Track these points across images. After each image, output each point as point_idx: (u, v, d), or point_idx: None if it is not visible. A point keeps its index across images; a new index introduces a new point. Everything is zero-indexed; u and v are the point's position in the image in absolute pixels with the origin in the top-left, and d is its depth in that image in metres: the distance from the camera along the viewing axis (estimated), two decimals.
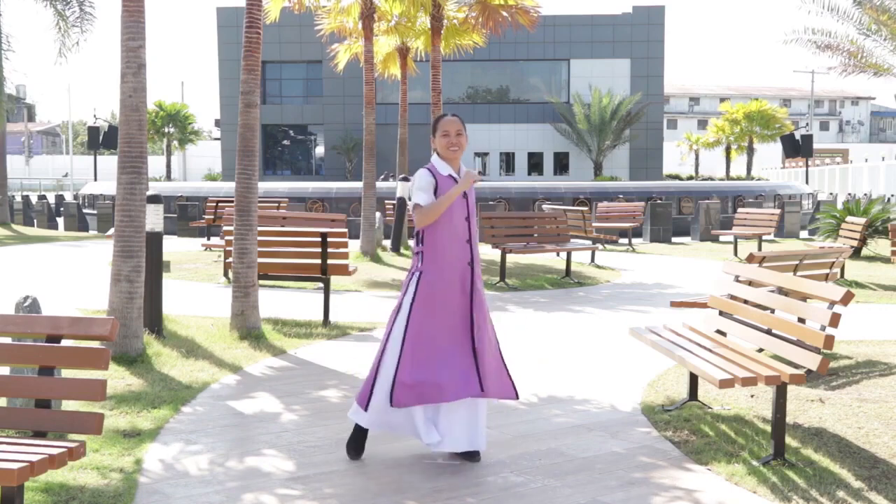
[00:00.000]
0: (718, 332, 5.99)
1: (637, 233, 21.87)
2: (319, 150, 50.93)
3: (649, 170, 48.08)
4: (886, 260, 15.73)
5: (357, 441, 4.96)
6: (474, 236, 4.98)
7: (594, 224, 18.42)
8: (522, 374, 7.08)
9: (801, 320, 6.01)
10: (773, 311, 5.95)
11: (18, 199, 32.20)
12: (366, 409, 4.84)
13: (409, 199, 4.97)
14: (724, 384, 4.83)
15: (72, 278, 13.46)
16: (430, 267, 4.85)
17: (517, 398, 5.03)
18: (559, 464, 4.87)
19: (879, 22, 16.98)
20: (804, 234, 24.37)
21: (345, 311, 10.04)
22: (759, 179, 47.89)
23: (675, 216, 24.13)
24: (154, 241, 8.11)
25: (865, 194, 43.29)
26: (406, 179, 16.80)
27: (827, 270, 8.70)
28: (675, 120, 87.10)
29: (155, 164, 57.34)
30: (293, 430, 5.49)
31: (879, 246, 17.06)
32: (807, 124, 60.67)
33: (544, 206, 19.25)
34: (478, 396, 4.80)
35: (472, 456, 4.89)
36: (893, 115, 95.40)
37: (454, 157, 4.94)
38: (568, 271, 13.45)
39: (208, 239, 18.29)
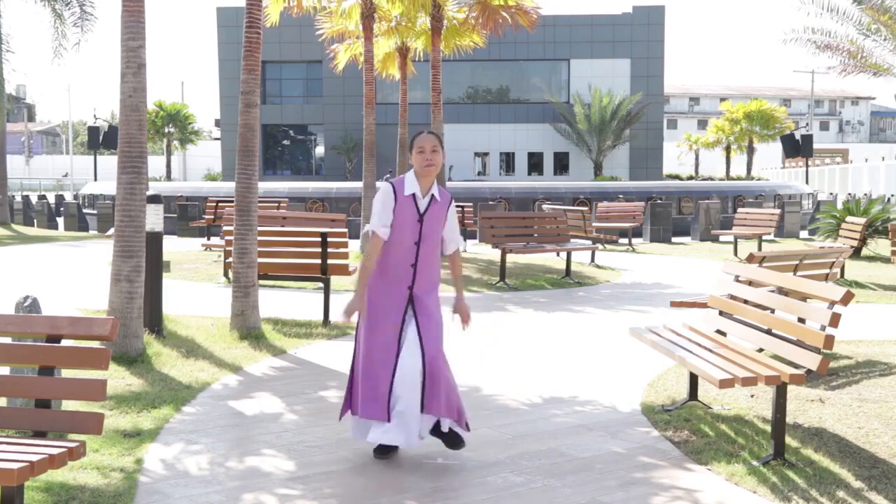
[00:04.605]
0: (718, 332, 5.99)
1: (637, 233, 21.87)
2: (319, 150, 50.93)
3: (649, 170, 48.08)
4: (886, 260, 15.73)
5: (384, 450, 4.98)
6: (423, 260, 4.85)
7: (594, 224, 18.43)
8: (522, 374, 7.09)
9: (801, 320, 6.01)
10: (773, 311, 5.95)
11: (18, 199, 32.19)
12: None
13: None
14: (724, 384, 4.83)
15: (72, 278, 13.46)
16: (377, 281, 4.86)
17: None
18: (559, 464, 4.87)
19: (879, 22, 16.99)
20: (804, 234, 24.37)
21: None
22: (759, 179, 47.82)
23: (675, 216, 24.14)
24: (154, 241, 8.12)
25: (865, 194, 43.25)
26: None
27: (827, 270, 8.70)
28: (675, 120, 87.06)
29: (155, 164, 57.29)
30: (293, 430, 5.49)
31: (879, 246, 17.06)
32: (807, 124, 60.63)
33: (544, 206, 19.26)
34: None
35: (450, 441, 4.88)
36: (893, 115, 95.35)
37: (428, 175, 4.86)
38: (568, 271, 13.45)
39: (208, 239, 18.29)
